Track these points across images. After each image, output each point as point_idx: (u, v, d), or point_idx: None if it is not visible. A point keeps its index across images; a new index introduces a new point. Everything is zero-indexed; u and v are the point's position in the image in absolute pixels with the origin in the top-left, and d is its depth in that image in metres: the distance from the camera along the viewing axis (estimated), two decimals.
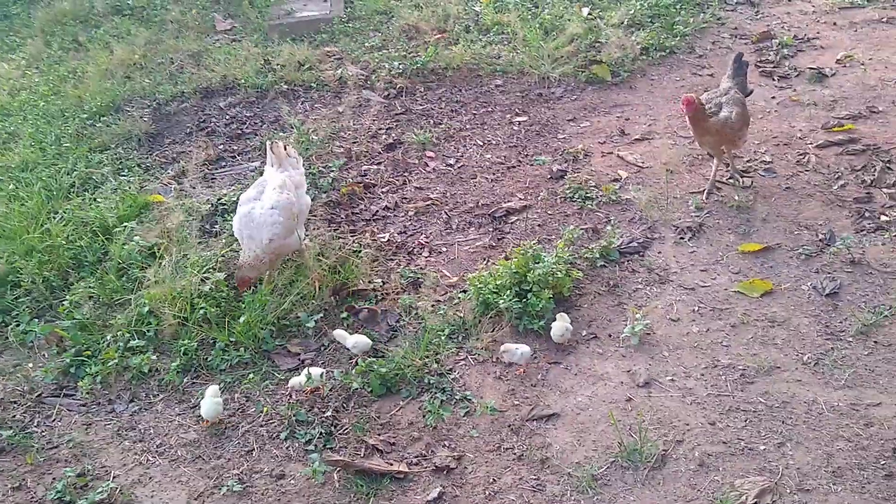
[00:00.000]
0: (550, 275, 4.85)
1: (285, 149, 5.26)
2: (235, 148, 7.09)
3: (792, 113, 6.66)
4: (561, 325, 4.64)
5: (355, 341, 4.69)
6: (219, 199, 6.16)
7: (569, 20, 8.32)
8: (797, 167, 5.97)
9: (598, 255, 5.28)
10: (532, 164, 6.42)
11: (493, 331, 4.79)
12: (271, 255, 4.96)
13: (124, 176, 6.57)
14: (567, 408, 4.30)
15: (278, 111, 7.46)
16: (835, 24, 8.03)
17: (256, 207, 4.98)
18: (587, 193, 5.93)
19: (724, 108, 5.50)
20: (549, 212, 5.85)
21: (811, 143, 6.21)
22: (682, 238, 5.42)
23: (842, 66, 7.25)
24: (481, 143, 6.82)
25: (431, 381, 4.49)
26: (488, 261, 5.37)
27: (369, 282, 5.26)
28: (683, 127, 6.59)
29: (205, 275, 5.21)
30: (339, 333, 4.76)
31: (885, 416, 4.04)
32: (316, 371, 4.50)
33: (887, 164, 5.85)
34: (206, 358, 4.81)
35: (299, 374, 4.52)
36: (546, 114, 7.15)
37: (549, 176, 6.24)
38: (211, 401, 4.36)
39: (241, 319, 4.85)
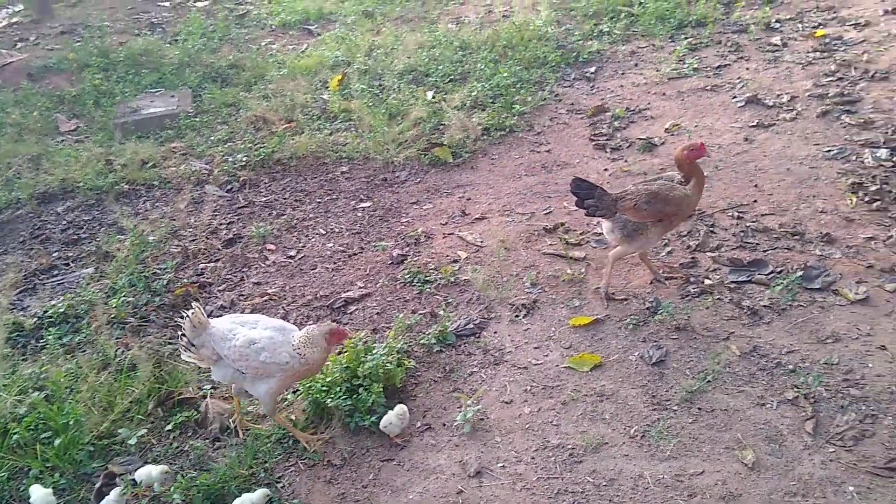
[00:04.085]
0: (381, 367, 4.76)
1: None
2: (70, 255, 6.81)
3: (623, 184, 6.85)
4: (388, 419, 4.53)
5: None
6: (45, 312, 5.87)
7: (413, 104, 8.45)
8: None
9: (434, 341, 5.23)
10: (374, 251, 6.38)
11: (324, 431, 4.65)
12: None
13: None
14: None
15: (117, 214, 7.23)
16: (664, 94, 8.42)
17: None
18: (426, 277, 5.91)
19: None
20: (389, 298, 5.80)
21: None
22: (517, 316, 5.44)
23: (669, 134, 7.57)
24: (324, 232, 6.75)
25: None
26: None
27: (198, 389, 5.05)
28: (520, 203, 6.73)
29: (21, 396, 4.92)
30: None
31: (706, 484, 4.06)
32: None
33: (710, 228, 6.07)
34: (19, 488, 4.47)
35: None
36: (390, 198, 7.16)
37: (389, 261, 6.20)
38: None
39: (57, 442, 4.56)
